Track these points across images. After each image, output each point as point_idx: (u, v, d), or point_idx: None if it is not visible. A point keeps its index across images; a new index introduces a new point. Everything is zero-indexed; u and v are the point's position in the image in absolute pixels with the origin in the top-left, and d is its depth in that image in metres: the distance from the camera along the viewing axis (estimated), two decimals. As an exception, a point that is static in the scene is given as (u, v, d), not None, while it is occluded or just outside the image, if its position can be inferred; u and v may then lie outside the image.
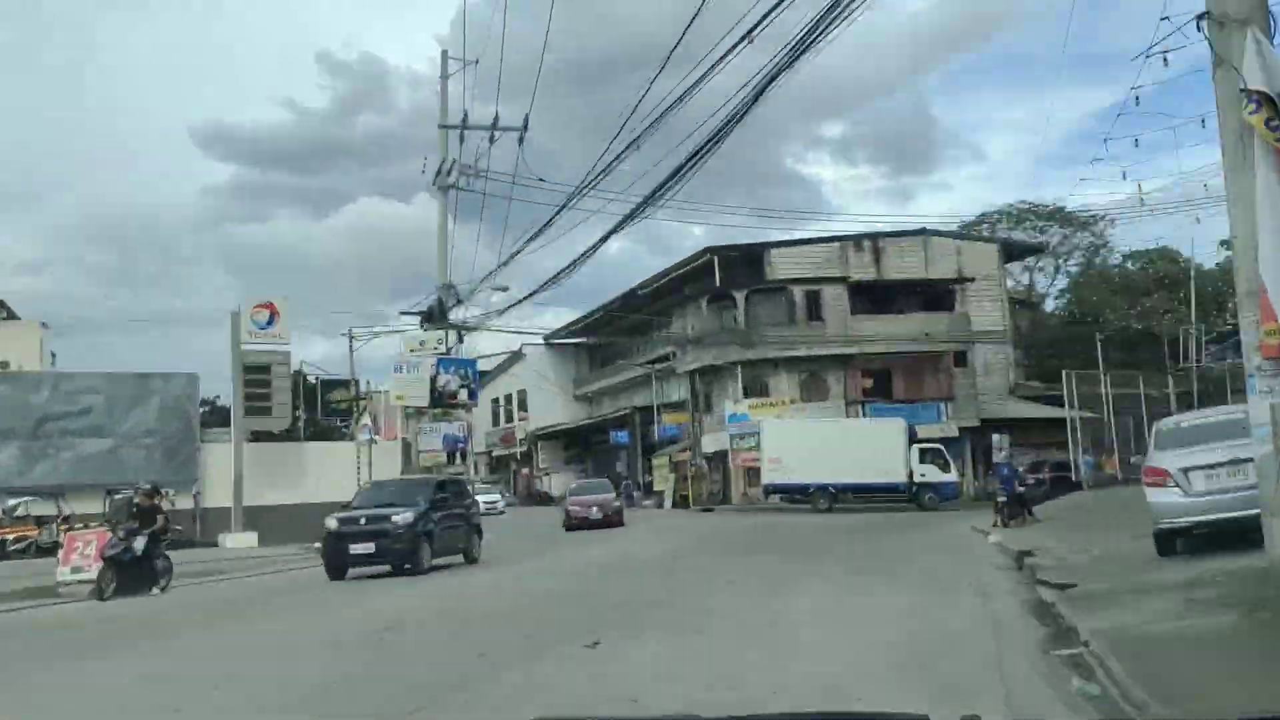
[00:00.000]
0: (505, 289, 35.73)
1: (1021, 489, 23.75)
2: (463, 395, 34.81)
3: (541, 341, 68.69)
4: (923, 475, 33.90)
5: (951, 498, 33.06)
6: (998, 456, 25.04)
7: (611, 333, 65.07)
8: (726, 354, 44.41)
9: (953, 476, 32.78)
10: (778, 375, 44.23)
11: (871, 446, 34.70)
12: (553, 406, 67.56)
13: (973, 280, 46.25)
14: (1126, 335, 53.34)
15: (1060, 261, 62.58)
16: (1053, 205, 59.14)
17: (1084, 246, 62.23)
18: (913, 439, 36.09)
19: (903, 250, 48.47)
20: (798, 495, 36.44)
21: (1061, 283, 62.89)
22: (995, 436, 29.99)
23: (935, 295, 46.48)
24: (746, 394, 44.30)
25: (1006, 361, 49.57)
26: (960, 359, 45.39)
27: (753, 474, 44.11)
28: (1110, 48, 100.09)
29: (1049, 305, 62.97)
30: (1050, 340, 55.84)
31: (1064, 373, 32.32)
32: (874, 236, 48.70)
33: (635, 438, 54.97)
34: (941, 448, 34.53)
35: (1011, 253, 53.04)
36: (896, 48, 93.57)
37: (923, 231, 49.32)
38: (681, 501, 47.30)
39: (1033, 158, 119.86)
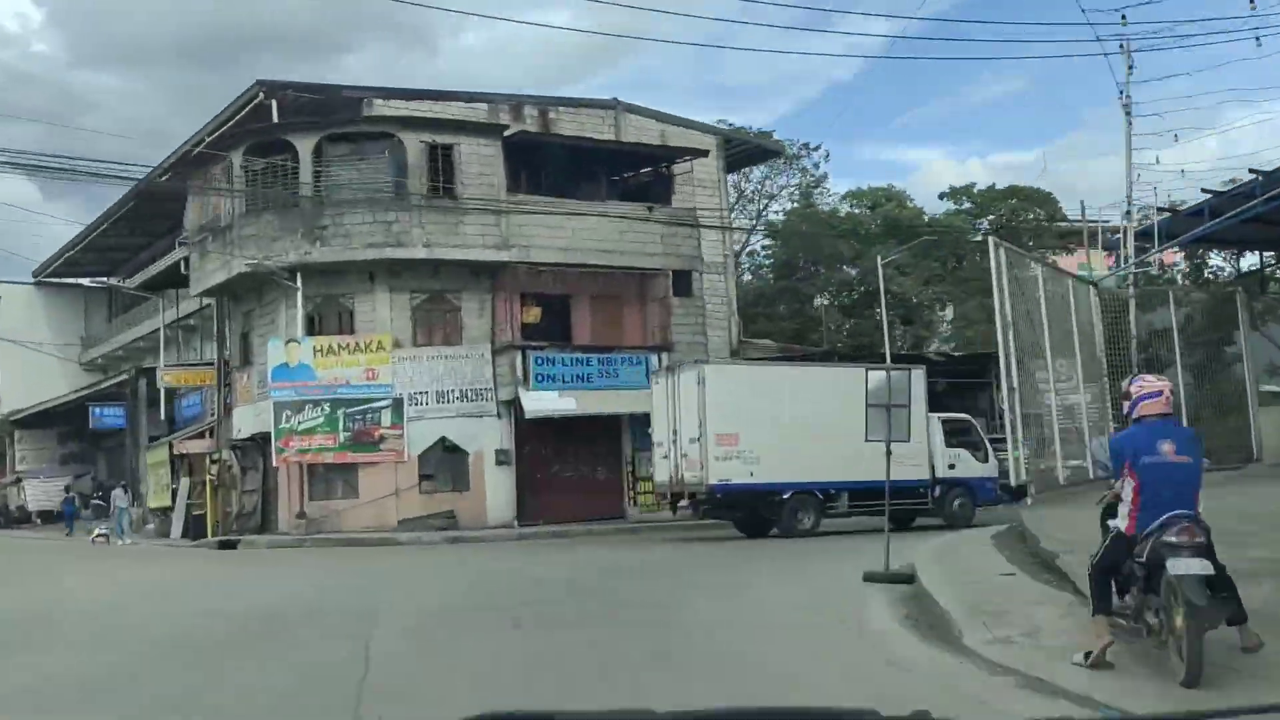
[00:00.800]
0: None
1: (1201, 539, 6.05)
2: None
3: (30, 280, 47.31)
4: (951, 467, 20.96)
5: (991, 502, 20.20)
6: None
7: (138, 266, 43.66)
8: (276, 251, 23.75)
9: (992, 469, 19.41)
10: (372, 295, 24.18)
11: None
12: (49, 378, 45.54)
13: (706, 153, 28.70)
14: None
15: (764, 205, 49.37)
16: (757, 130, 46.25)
17: (795, 185, 49.51)
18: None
19: (584, 126, 30.71)
20: (728, 506, 20.16)
21: (759, 240, 50.08)
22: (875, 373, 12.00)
23: (640, 184, 28.61)
24: (312, 329, 24.10)
25: (729, 310, 33.09)
26: (683, 284, 27.96)
27: (317, 474, 24.17)
28: (735, 80, 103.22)
29: (746, 258, 49.79)
30: (758, 295, 45.32)
31: (993, 241, 15.47)
32: (544, 102, 30.76)
33: (138, 417, 32.76)
34: (971, 421, 21.56)
35: (734, 157, 36.55)
36: (540, 59, 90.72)
37: (615, 104, 31.86)
38: (198, 525, 26.77)
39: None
